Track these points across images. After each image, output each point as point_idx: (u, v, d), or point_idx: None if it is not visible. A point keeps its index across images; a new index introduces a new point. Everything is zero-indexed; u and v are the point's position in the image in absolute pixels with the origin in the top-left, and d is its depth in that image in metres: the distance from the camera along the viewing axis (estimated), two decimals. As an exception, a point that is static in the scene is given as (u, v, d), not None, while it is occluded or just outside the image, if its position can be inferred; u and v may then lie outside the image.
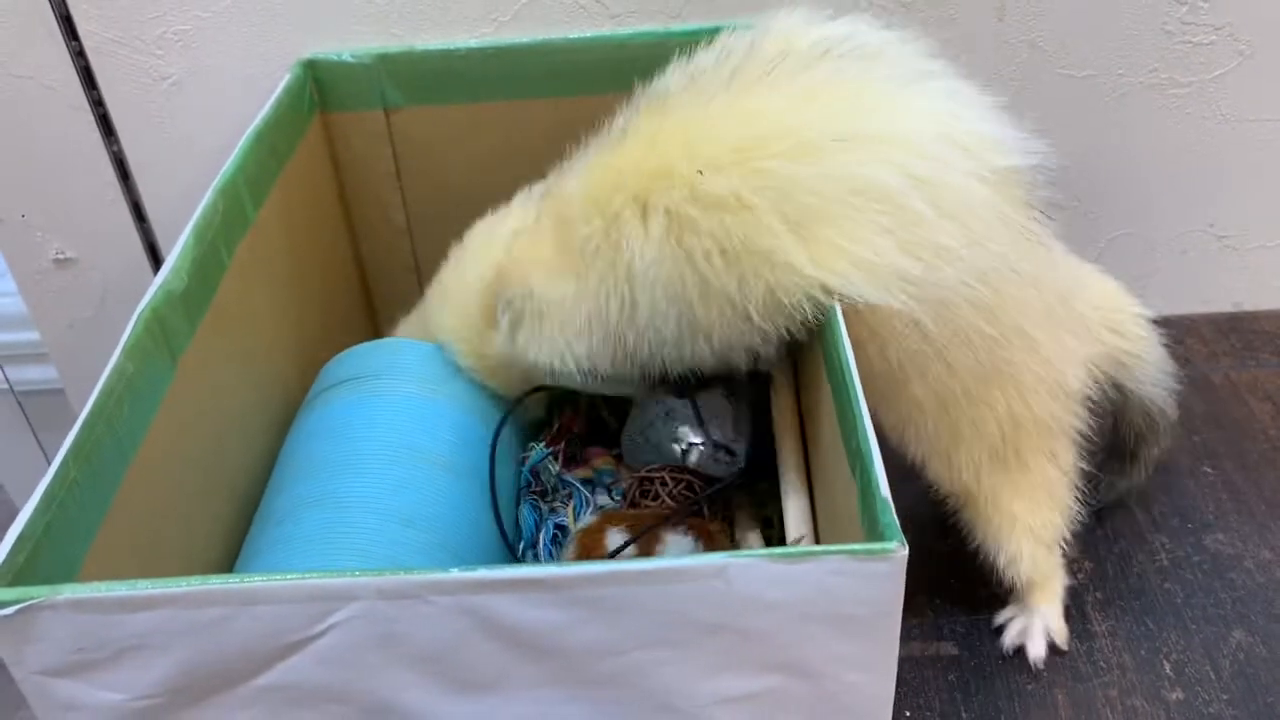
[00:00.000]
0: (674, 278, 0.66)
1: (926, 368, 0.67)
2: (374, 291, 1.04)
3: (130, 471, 0.59)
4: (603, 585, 0.46)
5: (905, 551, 0.46)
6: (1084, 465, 0.75)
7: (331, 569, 0.63)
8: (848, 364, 0.57)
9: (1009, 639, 0.77)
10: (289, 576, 0.46)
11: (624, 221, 0.67)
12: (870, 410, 0.55)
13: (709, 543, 0.74)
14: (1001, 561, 0.75)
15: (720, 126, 0.66)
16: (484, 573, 0.46)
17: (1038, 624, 0.77)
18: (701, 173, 0.64)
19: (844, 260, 0.63)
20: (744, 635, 0.48)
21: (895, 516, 0.48)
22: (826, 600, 0.47)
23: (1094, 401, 0.74)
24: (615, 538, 0.72)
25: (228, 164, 0.76)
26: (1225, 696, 0.73)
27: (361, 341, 0.84)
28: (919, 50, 0.69)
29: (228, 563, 0.71)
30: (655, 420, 0.79)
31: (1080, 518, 0.76)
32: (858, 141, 0.64)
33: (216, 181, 0.75)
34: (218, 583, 0.46)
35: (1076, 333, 0.72)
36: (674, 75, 0.71)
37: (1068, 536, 0.76)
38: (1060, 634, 0.77)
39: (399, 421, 0.75)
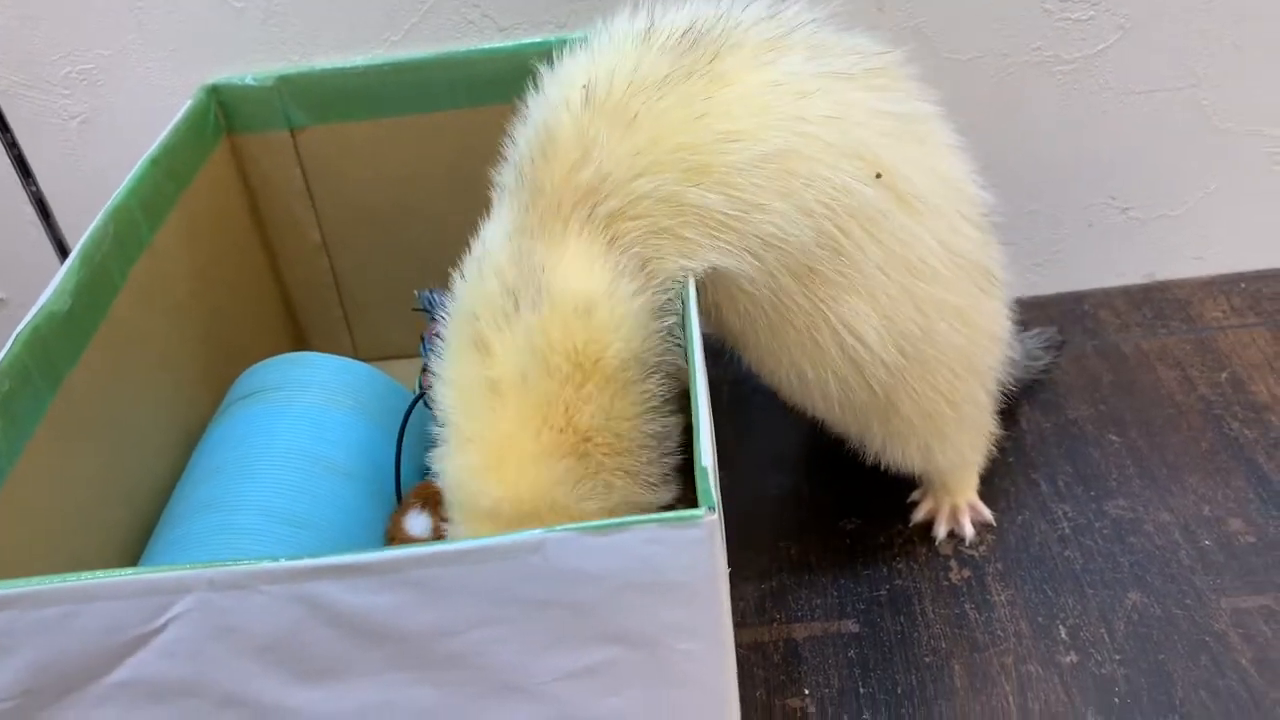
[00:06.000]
0: None
1: None
2: (296, 307, 1.06)
3: (6, 485, 0.61)
4: (425, 566, 0.48)
5: (715, 516, 0.47)
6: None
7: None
8: (693, 334, 0.58)
9: (918, 515, 0.85)
10: (124, 573, 0.48)
11: None
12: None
13: None
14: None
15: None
16: (308, 561, 0.47)
17: (946, 508, 0.84)
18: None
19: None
20: (573, 609, 0.49)
21: (712, 483, 0.49)
22: (647, 569, 0.48)
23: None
24: (415, 519, 0.75)
25: (119, 188, 0.78)
26: (1118, 657, 0.74)
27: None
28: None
29: (129, 563, 0.72)
30: None
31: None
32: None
33: (107, 205, 0.77)
34: (55, 581, 0.48)
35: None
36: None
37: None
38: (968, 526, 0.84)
39: (298, 430, 0.76)
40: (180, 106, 0.92)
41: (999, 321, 0.76)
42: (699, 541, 0.47)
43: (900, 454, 0.79)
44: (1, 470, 0.61)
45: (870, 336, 0.68)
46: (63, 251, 1.04)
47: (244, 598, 0.48)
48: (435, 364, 0.68)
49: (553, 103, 0.67)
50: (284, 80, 0.94)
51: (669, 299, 0.66)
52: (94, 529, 0.71)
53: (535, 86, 0.70)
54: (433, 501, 0.78)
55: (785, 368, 0.72)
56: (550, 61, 0.71)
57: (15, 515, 0.61)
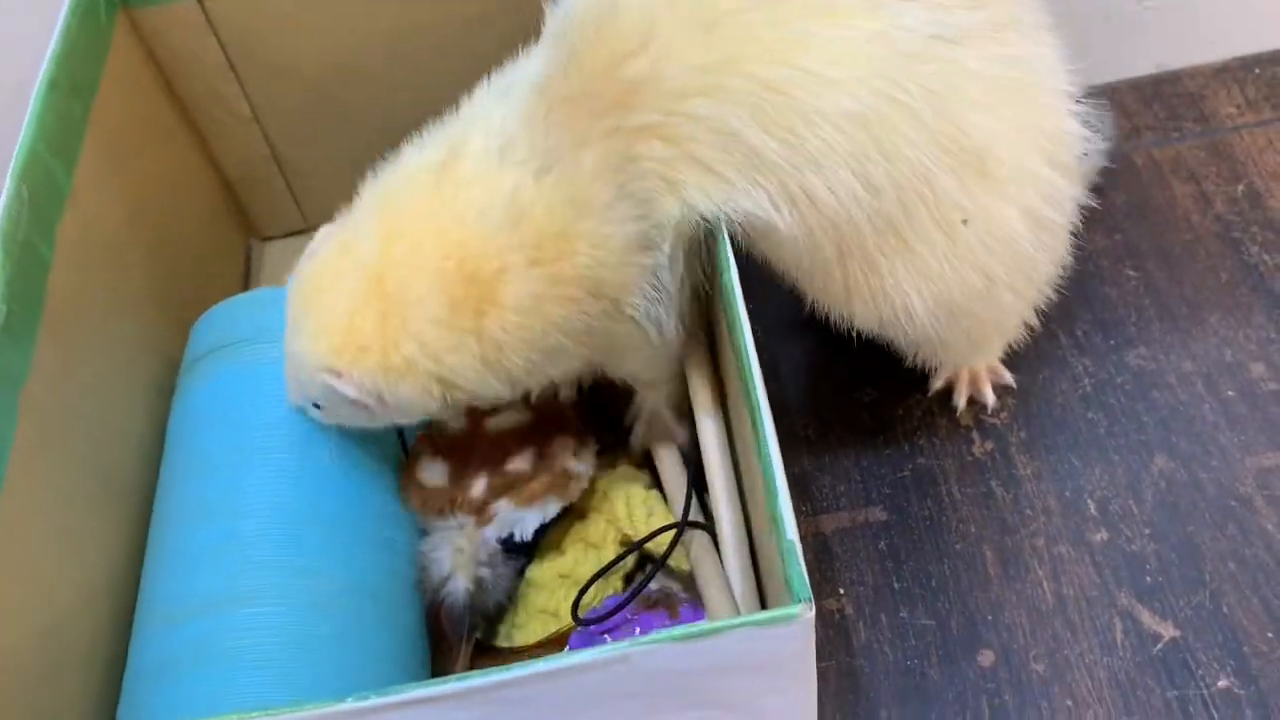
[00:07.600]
0: None
1: None
2: (238, 189, 0.95)
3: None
4: (507, 689, 0.44)
5: (812, 613, 0.44)
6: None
7: (234, 592, 0.62)
8: (747, 350, 0.53)
9: (936, 384, 0.81)
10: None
11: None
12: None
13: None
14: None
15: None
16: (375, 700, 0.44)
17: (965, 374, 0.80)
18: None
19: None
20: (661, 695, 0.47)
21: (803, 567, 0.45)
22: (738, 659, 0.46)
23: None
24: (430, 468, 0.71)
25: (20, 140, 0.66)
26: (1147, 531, 0.74)
27: (243, 251, 0.76)
28: None
29: (129, 571, 0.68)
30: None
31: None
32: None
33: (12, 166, 0.65)
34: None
35: None
36: None
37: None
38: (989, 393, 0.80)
39: (281, 399, 0.69)
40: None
41: (1066, 251, 0.71)
42: (795, 635, 0.44)
43: (932, 360, 0.75)
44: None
45: (918, 309, 0.63)
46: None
47: (312, 733, 0.45)
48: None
49: None
50: (178, -60, 0.79)
51: (658, 234, 0.60)
52: (91, 531, 0.65)
53: None
54: (444, 448, 0.73)
55: (816, 297, 0.67)
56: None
57: (10, 547, 0.57)
